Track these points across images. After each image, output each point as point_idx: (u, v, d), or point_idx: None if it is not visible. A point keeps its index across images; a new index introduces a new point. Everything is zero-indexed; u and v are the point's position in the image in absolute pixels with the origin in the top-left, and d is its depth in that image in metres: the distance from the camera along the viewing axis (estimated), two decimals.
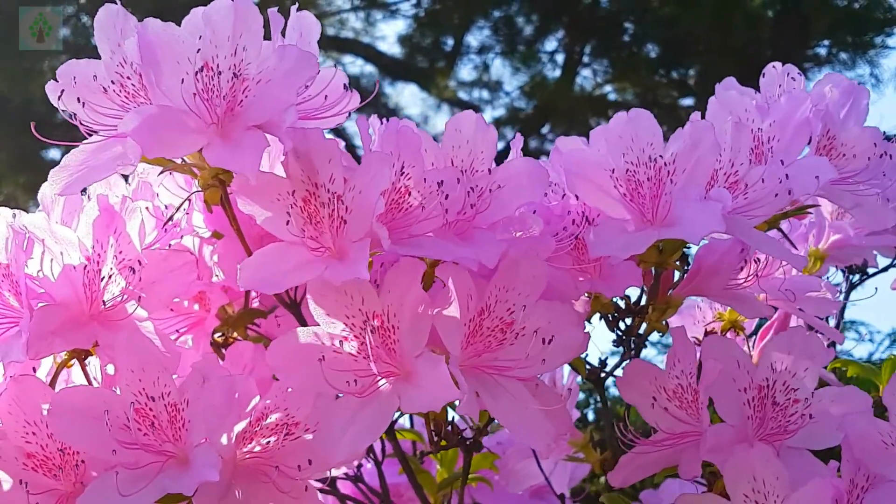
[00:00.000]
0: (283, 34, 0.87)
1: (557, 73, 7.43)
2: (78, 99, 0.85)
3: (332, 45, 7.89)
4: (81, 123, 0.85)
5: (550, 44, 7.59)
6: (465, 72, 7.87)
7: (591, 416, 2.83)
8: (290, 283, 0.82)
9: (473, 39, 7.75)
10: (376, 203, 0.78)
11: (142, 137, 0.78)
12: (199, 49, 0.80)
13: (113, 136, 0.83)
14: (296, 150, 0.81)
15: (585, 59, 7.39)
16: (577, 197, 0.97)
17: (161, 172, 0.88)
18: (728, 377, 0.91)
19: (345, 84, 0.88)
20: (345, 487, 1.19)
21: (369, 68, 7.96)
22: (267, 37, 0.83)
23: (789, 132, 1.01)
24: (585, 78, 7.41)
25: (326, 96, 0.87)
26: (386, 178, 0.79)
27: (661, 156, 0.92)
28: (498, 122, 7.40)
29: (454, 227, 0.87)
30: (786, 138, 1.01)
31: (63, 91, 0.85)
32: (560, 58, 7.52)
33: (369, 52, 7.90)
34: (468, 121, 0.92)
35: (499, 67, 7.69)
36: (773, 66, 1.11)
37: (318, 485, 1.11)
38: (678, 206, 0.91)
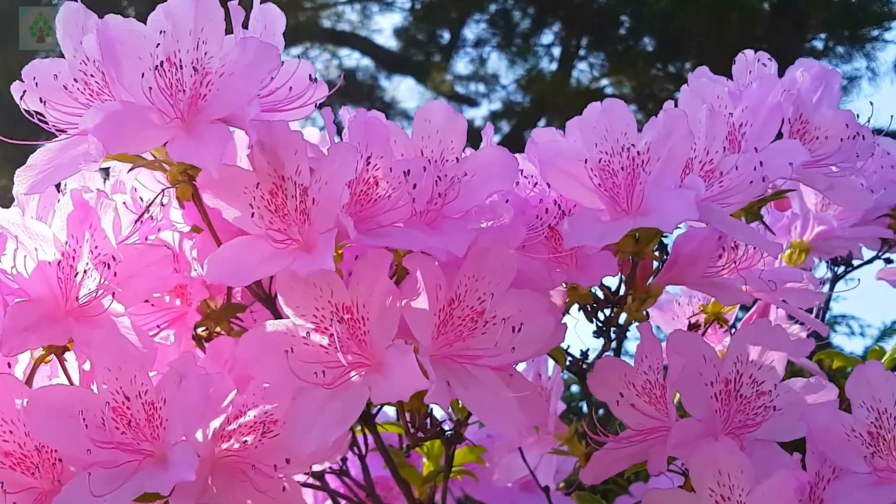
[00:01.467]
0: (246, 26, 0.86)
1: (554, 66, 7.41)
2: (40, 98, 0.85)
3: (329, 37, 7.88)
4: (45, 123, 0.85)
5: (547, 37, 7.59)
6: (462, 65, 7.87)
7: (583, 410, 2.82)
8: (257, 276, 0.82)
9: (470, 33, 7.75)
10: (341, 194, 0.78)
11: (103, 134, 0.78)
12: (160, 44, 0.80)
13: (77, 133, 0.83)
14: (261, 142, 0.81)
15: (582, 52, 7.37)
16: (551, 187, 0.97)
17: (130, 169, 0.88)
18: (694, 371, 0.91)
19: (310, 75, 0.88)
20: (332, 481, 1.20)
21: (366, 61, 7.95)
22: (230, 31, 0.83)
23: (761, 117, 1.01)
24: (582, 71, 7.40)
25: (291, 88, 0.87)
26: (350, 169, 0.79)
27: (633, 145, 0.92)
28: (494, 116, 7.40)
29: (424, 217, 0.87)
30: (758, 123, 1.01)
31: (25, 91, 0.85)
32: (556, 51, 7.52)
33: (366, 46, 7.89)
34: (438, 111, 0.92)
35: (495, 61, 7.69)
36: (744, 54, 1.11)
37: (304, 478, 1.11)
38: (652, 195, 0.91)
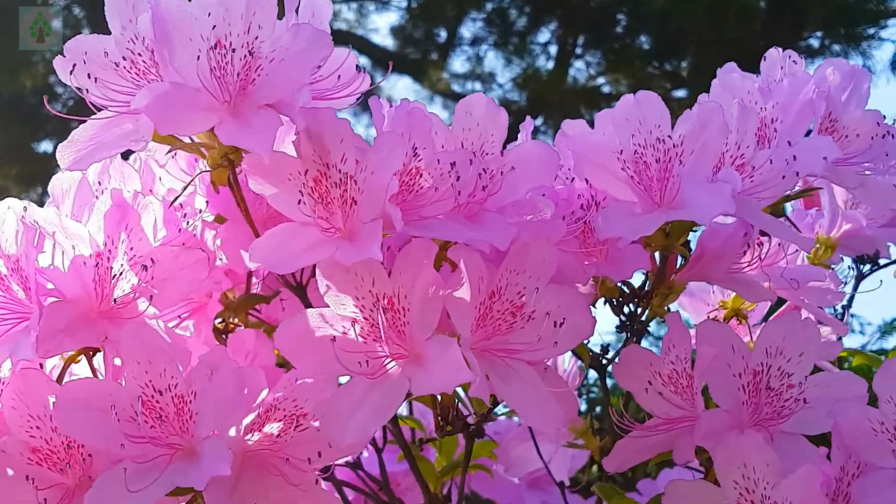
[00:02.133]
0: (297, 13, 0.86)
1: (550, 64, 7.42)
2: (89, 75, 0.84)
3: None
4: (92, 98, 0.84)
5: (543, 35, 7.59)
6: (458, 64, 7.87)
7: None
8: (301, 264, 0.81)
9: (466, 31, 7.75)
10: (389, 183, 0.77)
11: (155, 114, 0.77)
12: (214, 26, 0.79)
13: (123, 112, 0.82)
14: (308, 129, 0.80)
15: (578, 50, 7.38)
16: (585, 180, 0.97)
17: (169, 151, 0.88)
18: (723, 362, 0.91)
19: (357, 65, 0.88)
20: (342, 475, 1.19)
21: (362, 60, 7.94)
22: (281, 15, 0.82)
23: (793, 114, 1.01)
24: (578, 70, 7.41)
25: (339, 76, 0.87)
26: (398, 159, 0.78)
27: (669, 136, 0.92)
28: None
29: (465, 210, 0.86)
30: (789, 120, 1.01)
31: (74, 66, 0.84)
32: (553, 49, 7.52)
33: (362, 44, 7.88)
34: (479, 103, 0.92)
35: (492, 59, 7.69)
36: (775, 50, 1.11)
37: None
38: (686, 188, 0.91)
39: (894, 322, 2.96)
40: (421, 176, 0.84)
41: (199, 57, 0.79)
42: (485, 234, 0.83)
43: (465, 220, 0.86)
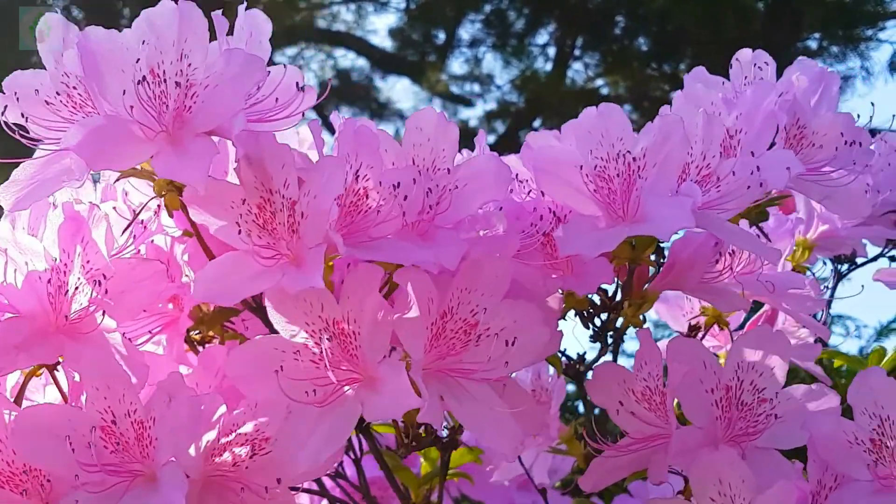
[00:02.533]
0: (232, 34, 0.85)
1: (549, 66, 7.43)
2: (22, 114, 0.84)
3: (324, 38, 7.88)
4: (32, 134, 0.84)
5: (542, 37, 7.60)
6: (457, 65, 7.88)
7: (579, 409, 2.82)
8: (245, 294, 0.81)
9: (465, 33, 7.76)
10: (330, 208, 0.77)
11: (85, 152, 0.76)
12: (143, 56, 0.79)
13: (62, 148, 0.81)
14: (247, 155, 0.79)
15: (577, 52, 7.39)
16: (544, 194, 0.96)
17: (117, 179, 0.87)
18: (695, 378, 0.90)
19: (297, 83, 0.87)
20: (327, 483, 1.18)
21: (361, 62, 7.96)
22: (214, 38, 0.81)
23: (756, 125, 1.00)
24: (577, 71, 7.42)
25: (277, 98, 0.86)
26: (339, 183, 0.77)
27: (629, 151, 0.91)
28: (489, 116, 7.40)
29: (415, 228, 0.86)
30: (753, 131, 1.00)
31: (6, 106, 0.83)
32: (552, 51, 7.52)
33: (361, 46, 7.90)
34: (429, 118, 0.91)
35: (490, 61, 7.70)
36: (742, 54, 1.10)
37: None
38: (648, 202, 0.90)
39: (891, 325, 2.93)
40: (368, 196, 0.83)
41: (129, 89, 0.78)
42: (434, 252, 0.82)
43: (417, 237, 0.85)
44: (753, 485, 0.82)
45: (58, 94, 0.83)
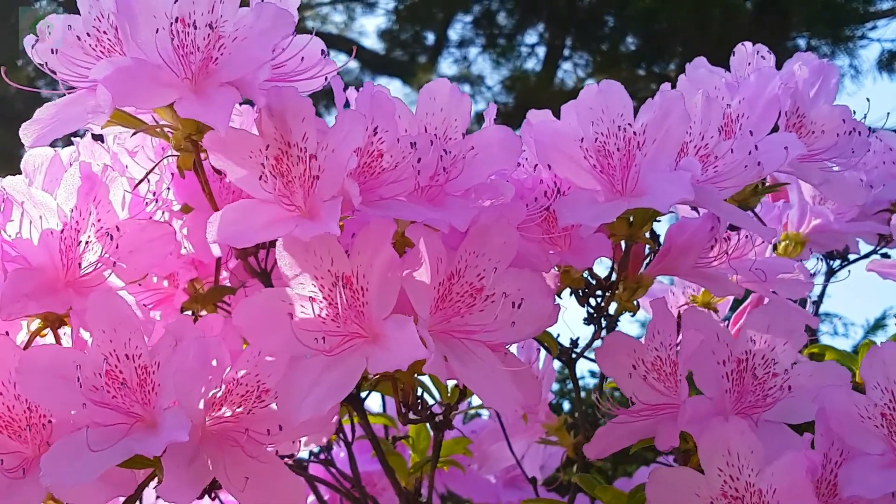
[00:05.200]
0: None
1: (538, 66, 7.42)
2: (52, 50, 0.85)
3: None
4: (55, 75, 0.85)
5: (531, 37, 7.59)
6: (447, 66, 7.86)
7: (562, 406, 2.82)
8: (260, 238, 0.81)
9: (454, 33, 7.75)
10: (348, 160, 0.78)
11: (113, 85, 0.77)
12: (176, 2, 0.80)
13: (85, 88, 0.83)
14: (269, 107, 0.81)
15: (566, 52, 7.39)
16: (548, 168, 0.97)
17: (134, 133, 0.88)
18: (707, 350, 0.91)
19: (322, 50, 0.88)
20: (315, 471, 1.19)
21: (351, 63, 7.92)
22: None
23: (759, 109, 1.02)
24: (566, 71, 7.41)
25: (303, 58, 0.87)
26: (358, 137, 0.79)
27: (630, 125, 0.93)
28: (480, 117, 7.37)
29: (426, 193, 0.87)
30: (755, 115, 1.02)
31: (37, 41, 0.85)
32: (541, 51, 7.52)
33: (352, 47, 7.87)
34: (443, 89, 0.93)
35: (480, 62, 7.69)
36: (744, 45, 1.12)
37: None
38: (647, 176, 0.92)
39: (880, 321, 2.95)
40: (382, 157, 0.84)
41: (158, 32, 0.80)
42: (445, 214, 0.83)
43: (427, 202, 0.87)
44: (762, 456, 0.82)
45: (88, 35, 0.85)
